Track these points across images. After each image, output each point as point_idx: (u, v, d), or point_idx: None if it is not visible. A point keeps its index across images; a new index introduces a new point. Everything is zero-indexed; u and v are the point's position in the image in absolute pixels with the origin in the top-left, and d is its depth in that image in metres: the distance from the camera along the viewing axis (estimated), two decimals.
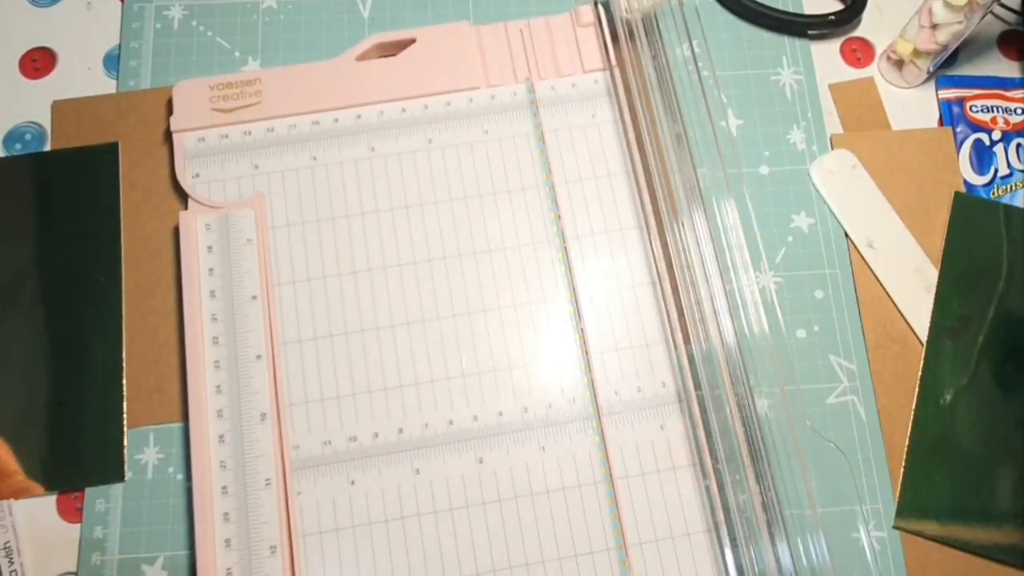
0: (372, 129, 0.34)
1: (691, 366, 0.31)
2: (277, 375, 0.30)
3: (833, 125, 0.36)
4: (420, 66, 0.35)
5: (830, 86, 0.37)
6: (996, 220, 0.34)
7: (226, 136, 0.33)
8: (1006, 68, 0.37)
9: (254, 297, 0.31)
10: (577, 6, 0.36)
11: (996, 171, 0.35)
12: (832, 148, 0.36)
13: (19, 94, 0.35)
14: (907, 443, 0.31)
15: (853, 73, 0.37)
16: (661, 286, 0.32)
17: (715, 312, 0.30)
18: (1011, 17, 0.38)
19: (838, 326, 0.33)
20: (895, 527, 0.30)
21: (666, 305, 0.32)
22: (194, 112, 0.33)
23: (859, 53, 0.38)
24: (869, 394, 0.32)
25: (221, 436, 0.29)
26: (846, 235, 0.34)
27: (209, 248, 0.32)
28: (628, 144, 0.34)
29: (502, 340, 0.32)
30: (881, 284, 0.33)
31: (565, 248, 0.33)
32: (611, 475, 0.30)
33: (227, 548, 0.28)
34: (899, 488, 0.31)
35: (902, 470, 0.31)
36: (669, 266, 0.32)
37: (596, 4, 0.36)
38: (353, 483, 0.29)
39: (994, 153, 0.35)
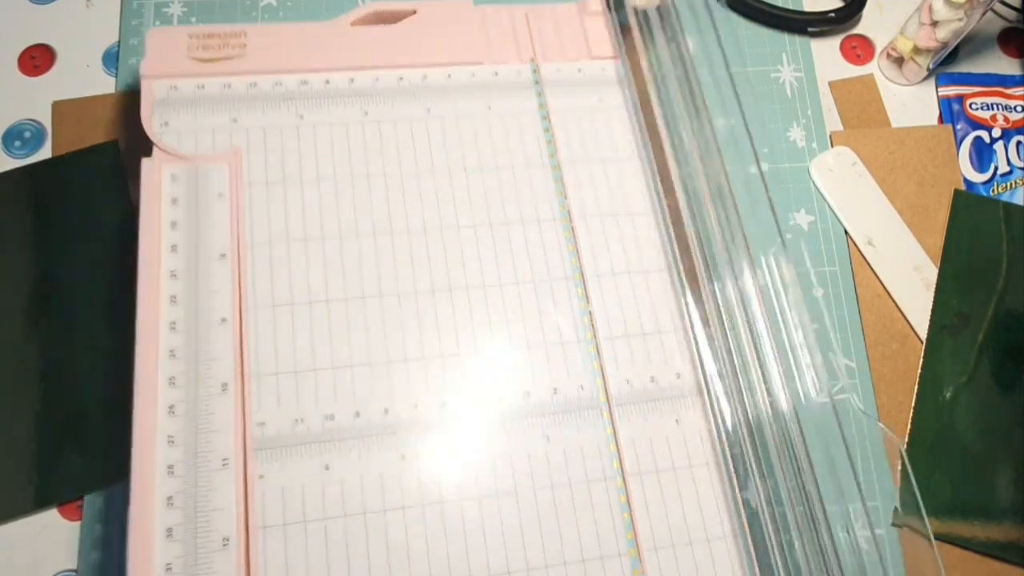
0: (366, 94, 0.32)
1: (713, 355, 0.29)
2: (244, 341, 0.26)
3: (833, 122, 0.36)
4: (420, 37, 0.33)
5: (830, 83, 0.37)
6: (996, 218, 0.34)
7: (202, 87, 0.30)
8: (1006, 65, 0.38)
9: (223, 255, 0.27)
10: None
11: (996, 169, 0.35)
12: (832, 145, 0.35)
13: (18, 92, 0.35)
14: (906, 440, 0.31)
15: (853, 70, 0.37)
16: (676, 268, 0.30)
17: (740, 297, 0.29)
18: (1011, 14, 0.39)
19: (838, 324, 0.33)
20: (893, 524, 0.30)
21: (681, 289, 0.30)
22: (169, 59, 0.30)
23: (859, 50, 0.38)
24: (868, 392, 0.32)
25: (171, 407, 0.25)
26: (846, 233, 0.34)
27: (174, 200, 0.28)
28: (641, 128, 0.33)
29: (504, 318, 0.29)
30: (881, 282, 0.33)
31: (572, 227, 0.31)
32: (623, 470, 0.27)
33: (168, 539, 0.24)
34: (898, 485, 0.30)
35: (901, 467, 0.30)
36: (685, 252, 0.30)
37: None
38: (327, 468, 0.26)
39: (994, 151, 0.36)
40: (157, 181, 0.28)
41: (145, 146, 0.30)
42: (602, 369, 0.29)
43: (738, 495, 0.27)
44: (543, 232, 0.31)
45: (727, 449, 0.27)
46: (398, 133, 0.31)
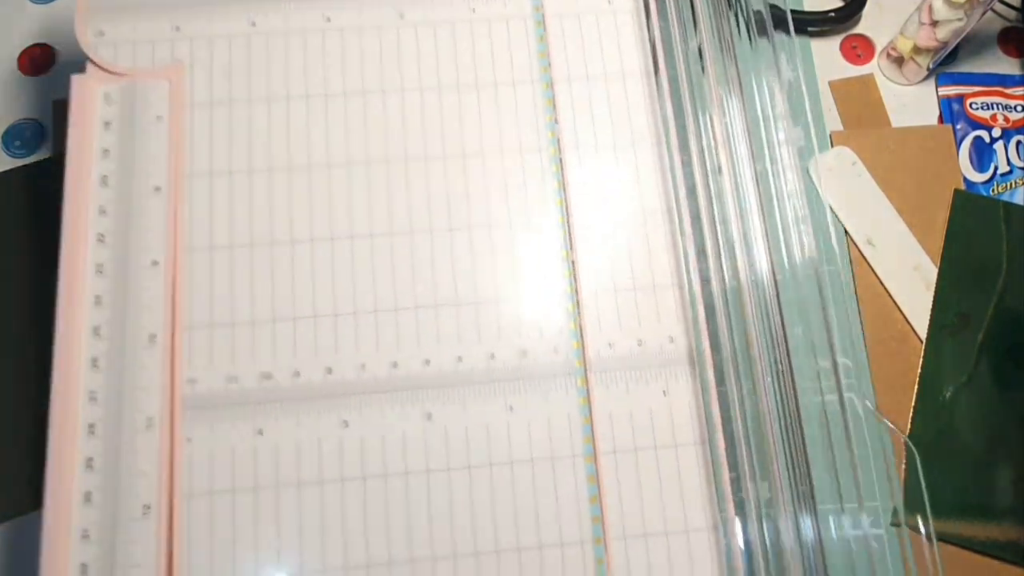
0: None
1: (709, 318, 0.25)
2: (176, 288, 0.24)
3: (833, 122, 0.36)
4: None
5: (830, 83, 0.36)
6: (996, 217, 0.34)
7: None
8: (1006, 65, 0.38)
9: (157, 189, 0.25)
10: None
11: (996, 168, 0.35)
12: (832, 145, 0.35)
13: (18, 91, 0.35)
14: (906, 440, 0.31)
15: (853, 70, 0.37)
16: (679, 213, 0.26)
17: (746, 242, 0.25)
18: (1011, 14, 0.39)
19: (838, 324, 0.31)
20: (893, 524, 0.29)
21: (683, 239, 0.26)
22: None
23: (859, 50, 0.38)
24: (869, 392, 0.31)
25: (94, 360, 0.23)
26: (846, 232, 0.34)
27: (107, 124, 0.25)
28: (651, 35, 0.29)
29: (470, 267, 0.25)
30: (881, 281, 0.33)
31: (560, 160, 0.27)
32: (595, 448, 0.24)
33: (86, 504, 0.21)
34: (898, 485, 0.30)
35: (901, 467, 0.30)
36: (690, 189, 0.26)
37: None
38: (261, 433, 0.23)
39: (994, 150, 0.35)
40: (90, 101, 0.25)
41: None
42: (580, 330, 0.25)
43: (726, 483, 0.24)
44: (525, 164, 0.27)
45: (718, 428, 0.24)
46: (364, 43, 0.28)
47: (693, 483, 0.24)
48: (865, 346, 0.32)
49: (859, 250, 0.33)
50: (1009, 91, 0.36)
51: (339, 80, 0.27)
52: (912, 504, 0.29)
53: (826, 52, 0.37)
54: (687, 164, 0.27)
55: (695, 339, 0.25)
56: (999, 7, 0.38)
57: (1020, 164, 0.35)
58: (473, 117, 0.27)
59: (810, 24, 0.37)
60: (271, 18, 0.28)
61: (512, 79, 0.28)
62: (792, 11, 0.37)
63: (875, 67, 0.37)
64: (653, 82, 0.28)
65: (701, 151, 0.27)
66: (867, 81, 0.36)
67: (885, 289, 0.33)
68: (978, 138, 0.35)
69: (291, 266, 0.25)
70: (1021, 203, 0.34)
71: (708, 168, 0.26)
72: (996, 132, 0.35)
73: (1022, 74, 0.37)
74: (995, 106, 0.36)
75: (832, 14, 0.37)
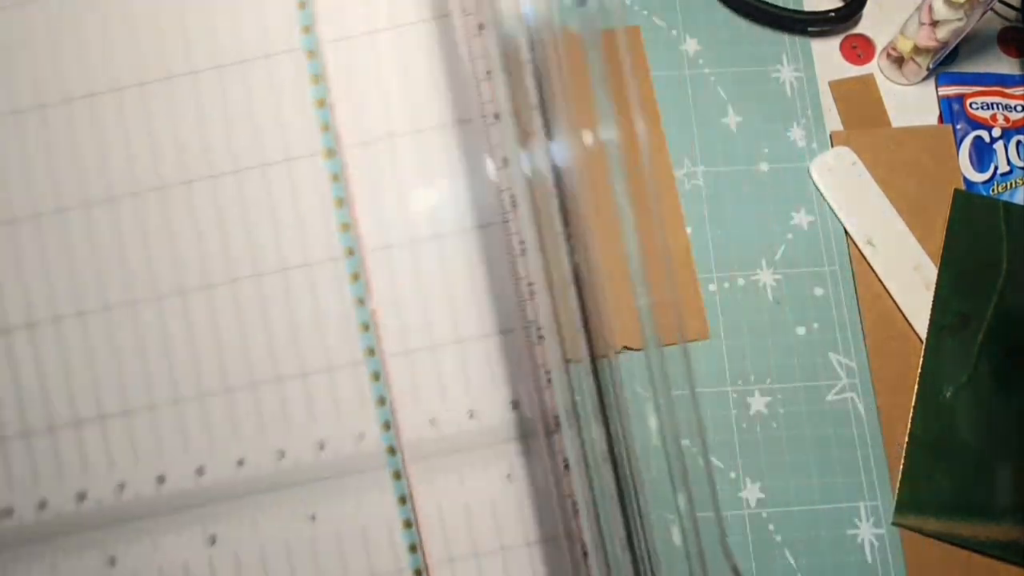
0: None
1: (567, 370, 0.17)
2: None
3: (833, 122, 0.36)
4: None
5: (830, 83, 0.37)
6: (996, 217, 0.34)
7: None
8: (1006, 65, 0.38)
9: None
10: None
11: (996, 168, 0.35)
12: (832, 145, 0.36)
13: None
14: (906, 440, 0.31)
15: (853, 70, 0.37)
16: (515, 225, 0.18)
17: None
18: (1011, 14, 0.39)
19: (837, 323, 0.33)
20: (894, 523, 0.30)
21: (524, 259, 0.18)
22: None
23: (859, 50, 0.38)
24: (868, 391, 0.32)
25: None
26: (846, 232, 0.34)
27: None
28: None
29: (237, 336, 0.18)
30: (881, 281, 0.33)
31: (343, 165, 0.19)
32: (424, 561, 0.18)
33: None
34: (898, 485, 0.31)
35: (901, 467, 0.31)
36: (530, 190, 0.18)
37: None
38: None
39: (994, 150, 0.35)
40: None
41: None
42: (391, 404, 0.19)
43: None
44: (293, 177, 0.19)
45: (587, 514, 0.17)
46: (61, 30, 0.18)
47: None
48: (865, 346, 0.32)
49: (859, 250, 0.34)
50: (1009, 91, 0.36)
51: (72, 82, 0.18)
52: (912, 504, 0.30)
53: (826, 52, 0.37)
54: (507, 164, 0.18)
55: (547, 400, 0.18)
56: (999, 7, 0.38)
57: (1020, 164, 0.35)
58: (215, 117, 0.19)
59: (810, 24, 0.37)
60: None
61: (264, 50, 0.19)
62: (792, 11, 0.37)
63: (875, 67, 0.37)
64: (456, 28, 0.19)
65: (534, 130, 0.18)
66: (867, 81, 0.37)
67: (885, 289, 0.33)
68: (978, 138, 0.35)
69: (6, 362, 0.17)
70: (1021, 203, 0.34)
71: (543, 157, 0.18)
72: (996, 132, 0.35)
73: (1022, 74, 0.37)
74: (995, 106, 0.36)
75: (832, 14, 0.37)
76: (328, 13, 0.19)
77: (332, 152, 0.18)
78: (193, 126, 0.18)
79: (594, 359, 0.18)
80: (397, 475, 0.19)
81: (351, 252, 0.19)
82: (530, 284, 0.18)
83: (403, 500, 0.18)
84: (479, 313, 0.19)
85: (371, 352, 0.19)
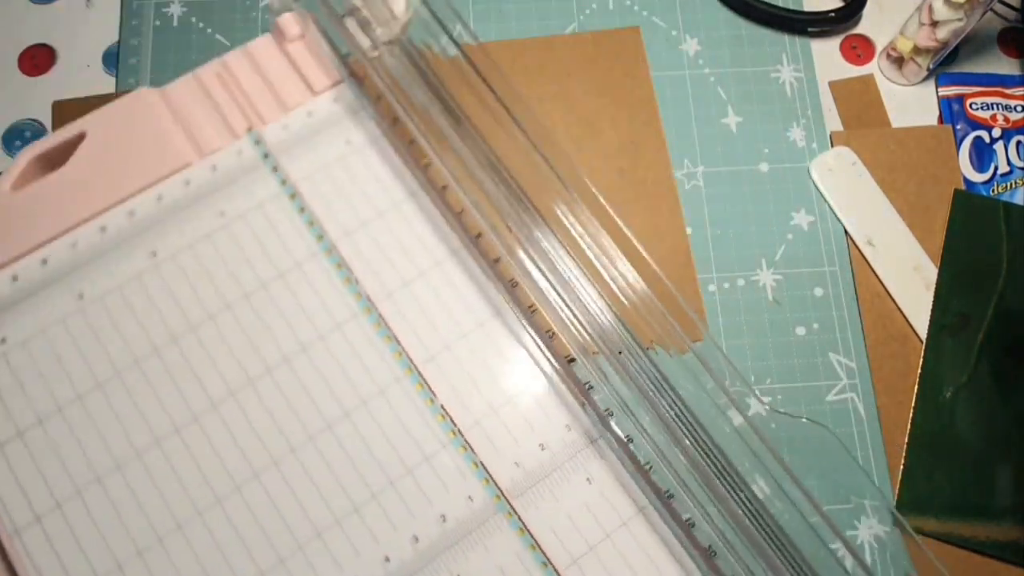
0: (70, 271, 0.25)
1: (586, 391, 0.24)
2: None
3: (833, 122, 0.36)
4: (102, 167, 0.27)
5: (830, 83, 0.37)
6: (996, 218, 0.34)
7: None
8: (1006, 65, 0.38)
9: None
10: (275, 19, 0.29)
11: (996, 168, 0.35)
12: (832, 145, 0.35)
13: (18, 91, 0.35)
14: (906, 440, 0.31)
15: (853, 70, 0.37)
16: (514, 309, 0.25)
17: (588, 305, 0.25)
18: (1011, 14, 0.39)
19: (838, 324, 0.33)
20: (894, 524, 0.29)
21: (528, 330, 0.25)
22: None
23: (859, 50, 0.38)
24: (868, 391, 0.32)
25: None
26: (846, 233, 0.34)
27: None
28: (404, 157, 0.27)
29: (349, 465, 0.24)
30: (881, 281, 0.33)
31: (379, 315, 0.26)
32: (555, 571, 0.23)
33: None
34: (898, 485, 0.31)
35: (901, 467, 0.31)
36: (514, 284, 0.26)
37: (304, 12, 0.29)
38: None
39: (994, 151, 0.35)
40: None
41: None
42: (483, 465, 0.24)
43: (686, 536, 0.23)
44: (348, 336, 0.25)
45: (654, 484, 0.23)
46: (127, 302, 0.25)
47: (657, 552, 0.24)
48: (865, 346, 0.32)
49: (859, 250, 0.33)
50: (1009, 91, 0.36)
51: (104, 362, 0.25)
52: (912, 504, 0.30)
53: (826, 52, 0.37)
54: (496, 260, 0.26)
55: (585, 414, 0.25)
56: (999, 7, 0.38)
57: (1020, 164, 0.35)
58: (276, 319, 0.26)
59: (810, 24, 0.37)
60: (17, 321, 0.25)
61: (293, 261, 0.27)
62: (792, 11, 0.37)
63: (875, 67, 0.37)
64: (427, 199, 0.27)
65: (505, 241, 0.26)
66: (867, 81, 0.37)
67: (885, 289, 0.33)
68: (978, 138, 0.35)
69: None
70: (1021, 203, 0.34)
71: (521, 251, 0.26)
72: (996, 132, 0.35)
73: (1022, 74, 0.37)
74: (995, 106, 0.36)
75: (832, 14, 0.37)
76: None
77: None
78: None
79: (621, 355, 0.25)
80: (509, 515, 0.24)
81: (410, 370, 0.25)
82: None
83: (521, 531, 0.24)
84: (519, 374, 0.26)
85: (453, 433, 0.25)
